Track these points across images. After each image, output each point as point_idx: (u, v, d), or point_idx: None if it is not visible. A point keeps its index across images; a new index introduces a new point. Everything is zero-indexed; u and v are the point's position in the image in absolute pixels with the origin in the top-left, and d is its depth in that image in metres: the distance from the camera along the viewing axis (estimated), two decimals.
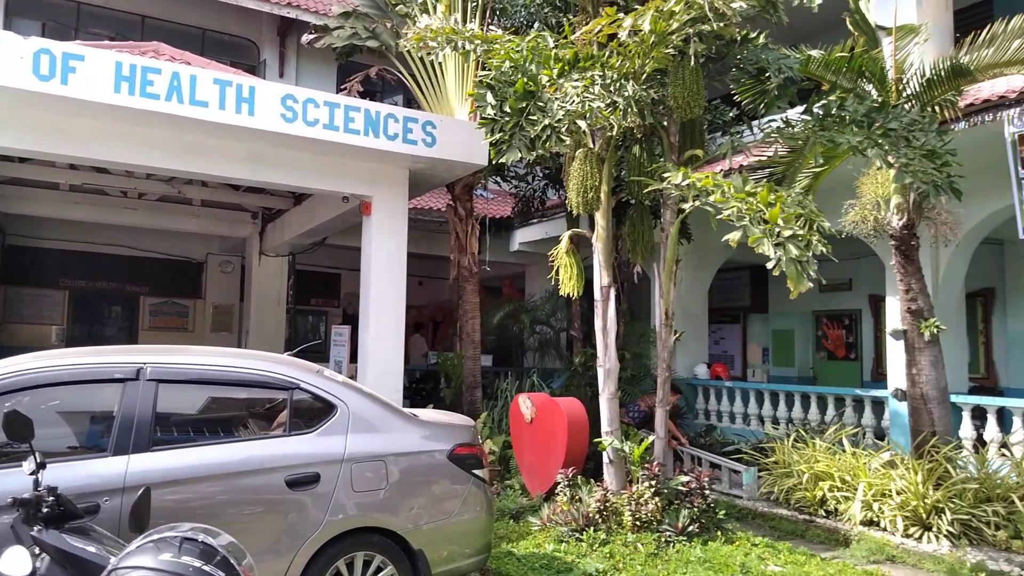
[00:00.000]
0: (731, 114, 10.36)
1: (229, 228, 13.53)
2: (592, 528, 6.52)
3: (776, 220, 5.35)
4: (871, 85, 7.92)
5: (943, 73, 7.46)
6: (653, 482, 6.64)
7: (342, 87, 11.58)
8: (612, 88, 6.02)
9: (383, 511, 4.55)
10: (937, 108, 7.70)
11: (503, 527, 7.06)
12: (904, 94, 7.75)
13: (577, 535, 6.49)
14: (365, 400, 4.83)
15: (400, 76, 10.57)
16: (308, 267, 14.64)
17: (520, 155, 5.82)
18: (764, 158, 8.50)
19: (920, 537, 6.88)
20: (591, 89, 5.97)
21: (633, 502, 6.57)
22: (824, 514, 7.68)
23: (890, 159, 6.11)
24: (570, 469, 7.23)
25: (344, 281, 16.56)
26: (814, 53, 7.57)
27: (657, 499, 6.55)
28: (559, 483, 7.15)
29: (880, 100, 6.75)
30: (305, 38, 11.22)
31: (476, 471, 4.95)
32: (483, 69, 6.77)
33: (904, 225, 7.70)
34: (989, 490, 7.03)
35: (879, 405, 9.02)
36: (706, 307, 12.07)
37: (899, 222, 7.71)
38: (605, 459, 7.26)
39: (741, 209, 5.50)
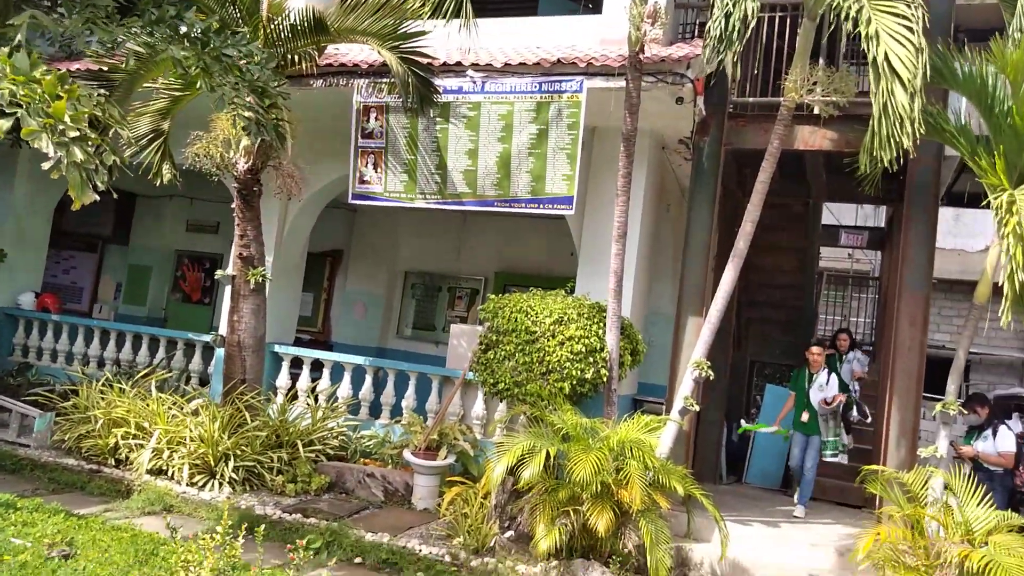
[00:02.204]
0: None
1: None
2: None
3: (62, 116, 4.56)
4: (242, 17, 7.51)
5: (307, 25, 7.43)
6: None
7: None
8: None
9: None
10: (299, 58, 7.68)
11: None
12: (275, 37, 7.53)
13: None
14: None
15: None
16: None
17: None
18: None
19: (204, 485, 6.71)
20: None
21: None
22: (115, 463, 7.03)
23: (215, 84, 5.68)
24: None
25: None
26: None
27: None
28: None
29: (222, 24, 6.28)
30: None
31: None
32: None
33: (248, 169, 7.48)
34: (282, 436, 7.26)
35: (210, 351, 8.74)
36: (47, 230, 10.30)
37: (244, 165, 7.46)
38: None
39: (16, 93, 4.53)
